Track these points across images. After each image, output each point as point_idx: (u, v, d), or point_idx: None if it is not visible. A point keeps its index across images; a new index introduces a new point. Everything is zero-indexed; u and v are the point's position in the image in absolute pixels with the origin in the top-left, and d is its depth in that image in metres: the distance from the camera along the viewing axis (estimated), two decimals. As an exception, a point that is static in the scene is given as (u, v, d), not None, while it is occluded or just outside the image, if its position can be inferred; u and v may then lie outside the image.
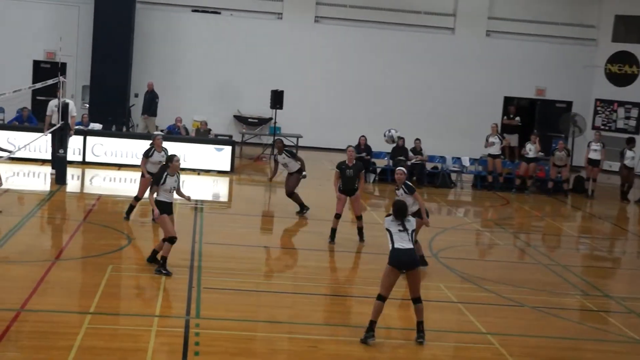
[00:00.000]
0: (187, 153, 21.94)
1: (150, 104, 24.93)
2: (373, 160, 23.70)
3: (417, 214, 12.67)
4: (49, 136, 19.40)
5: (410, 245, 9.89)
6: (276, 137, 19.91)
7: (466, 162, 24.60)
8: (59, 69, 20.41)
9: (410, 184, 13.20)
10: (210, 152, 22.39)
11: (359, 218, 15.03)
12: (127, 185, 20.39)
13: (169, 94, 27.73)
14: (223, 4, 28.64)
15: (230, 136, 26.63)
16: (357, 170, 14.88)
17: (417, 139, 23.71)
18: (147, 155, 15.24)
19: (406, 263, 9.79)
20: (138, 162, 21.68)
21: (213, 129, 25.96)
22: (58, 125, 18.84)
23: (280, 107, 26.37)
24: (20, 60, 27.13)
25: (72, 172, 19.97)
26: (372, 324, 9.89)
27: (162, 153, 15.15)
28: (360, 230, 15.03)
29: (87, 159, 21.76)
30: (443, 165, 24.18)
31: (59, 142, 19.01)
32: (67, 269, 12.28)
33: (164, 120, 26.45)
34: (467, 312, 11.41)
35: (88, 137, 21.84)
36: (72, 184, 19.45)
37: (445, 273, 13.48)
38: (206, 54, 28.22)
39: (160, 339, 9.54)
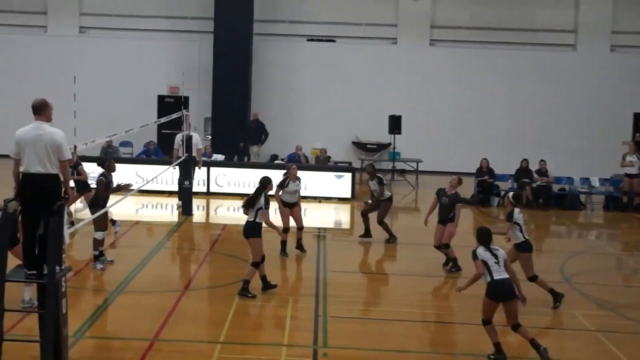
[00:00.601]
0: (307, 181, 22.03)
1: (257, 133, 25.22)
2: (496, 183, 23.20)
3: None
4: (177, 168, 19.88)
5: (506, 275, 9.93)
6: (367, 163, 19.80)
7: (595, 182, 23.68)
8: (182, 102, 20.96)
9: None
10: (331, 179, 22.45)
11: (446, 246, 14.55)
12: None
13: (287, 123, 28.14)
14: (338, 32, 28.83)
15: (350, 163, 26.68)
16: (453, 201, 14.46)
17: (542, 160, 23.08)
18: (282, 185, 15.34)
19: (505, 294, 9.81)
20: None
21: (332, 156, 26.09)
22: (183, 158, 19.30)
23: (399, 132, 26.26)
24: (146, 96, 28.05)
25: (197, 203, 20.40)
26: (498, 346, 9.76)
27: (297, 182, 15.30)
28: (447, 260, 14.63)
29: (211, 190, 22.20)
30: (571, 186, 23.37)
31: (185, 174, 19.45)
32: (196, 299, 12.47)
33: (284, 149, 26.79)
34: (606, 341, 10.89)
35: (211, 168, 22.28)
36: (198, 215, 19.85)
37: (579, 300, 12.94)
38: (323, 82, 28.44)
39: (289, 368, 9.54)
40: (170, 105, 27.12)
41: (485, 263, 9.91)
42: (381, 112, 27.34)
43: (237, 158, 25.18)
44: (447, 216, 14.38)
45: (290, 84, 28.47)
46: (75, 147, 9.84)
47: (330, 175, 22.60)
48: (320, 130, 28.17)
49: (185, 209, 19.35)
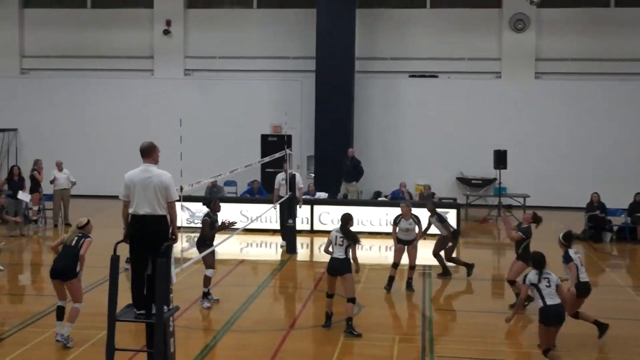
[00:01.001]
0: (411, 218, 21.91)
1: (353, 170, 25.15)
2: (609, 218, 22.45)
3: None
4: (278, 207, 20.04)
5: (558, 300, 10.16)
6: (429, 200, 19.51)
7: None
8: (285, 141, 21.20)
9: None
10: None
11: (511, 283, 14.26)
12: (360, 252, 20.54)
13: (390, 159, 28.10)
14: (440, 67, 28.70)
15: (455, 199, 26.37)
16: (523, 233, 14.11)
17: (658, 194, 22.23)
18: (395, 223, 15.62)
19: (559, 319, 10.09)
20: (364, 228, 22.10)
21: (436, 192, 25.83)
22: (286, 197, 19.46)
23: (504, 167, 25.82)
24: (249, 136, 28.53)
25: (301, 241, 20.50)
26: None
27: (410, 220, 15.46)
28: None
29: (315, 228, 22.28)
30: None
31: (288, 213, 19.60)
32: (301, 338, 12.46)
33: (387, 185, 26.71)
34: None
35: (315, 206, 22.39)
36: (302, 253, 19.93)
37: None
38: (425, 117, 28.30)
39: (396, 408, 9.38)
40: (274, 144, 27.49)
41: (536, 287, 10.12)
42: (486, 146, 26.97)
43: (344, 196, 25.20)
44: (517, 250, 14.17)
45: (393, 120, 28.45)
46: (181, 188, 10.05)
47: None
48: (424, 166, 27.99)
49: (290, 248, 19.48)
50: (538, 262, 10.32)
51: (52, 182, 22.93)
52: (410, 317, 13.60)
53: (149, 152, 9.06)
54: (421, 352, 11.51)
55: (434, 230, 16.91)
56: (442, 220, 16.73)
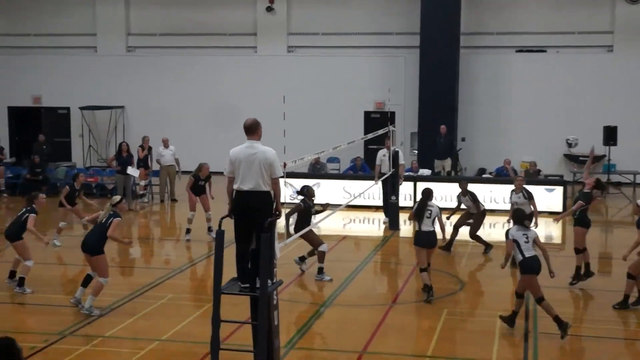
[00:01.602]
0: (516, 195, 21.55)
1: (447, 148, 24.77)
2: None
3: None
4: (380, 184, 20.01)
5: (534, 253, 11.16)
6: (461, 179, 19.01)
7: None
8: (388, 118, 21.12)
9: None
10: (541, 193, 21.72)
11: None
12: (463, 229, 20.40)
13: (495, 136, 27.62)
14: (548, 41, 27.94)
15: (561, 176, 25.75)
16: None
17: None
18: (510, 197, 15.86)
19: (538, 268, 11.12)
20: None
21: (542, 169, 25.28)
22: (389, 173, 19.41)
23: (614, 144, 25.03)
24: (352, 112, 28.51)
25: (404, 218, 20.42)
26: (558, 318, 10.87)
27: (520, 194, 15.40)
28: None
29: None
30: None
31: (391, 189, 19.55)
32: (403, 313, 12.47)
33: (492, 162, 26.28)
34: None
35: (418, 183, 22.24)
36: (405, 229, 19.87)
37: None
38: (532, 93, 27.63)
39: (499, 386, 9.29)
40: (377, 120, 27.41)
41: (516, 242, 11.13)
42: (595, 122, 26.15)
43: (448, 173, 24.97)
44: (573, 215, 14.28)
45: (498, 96, 27.90)
46: (284, 164, 10.15)
47: (541, 189, 21.89)
48: (530, 142, 27.38)
49: (392, 224, 19.46)
50: (520, 218, 11.41)
51: (157, 160, 23.52)
52: (513, 294, 13.38)
53: (253, 129, 9.16)
54: (524, 329, 11.34)
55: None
56: (475, 200, 16.59)
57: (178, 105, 29.73)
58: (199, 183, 18.08)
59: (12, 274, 13.58)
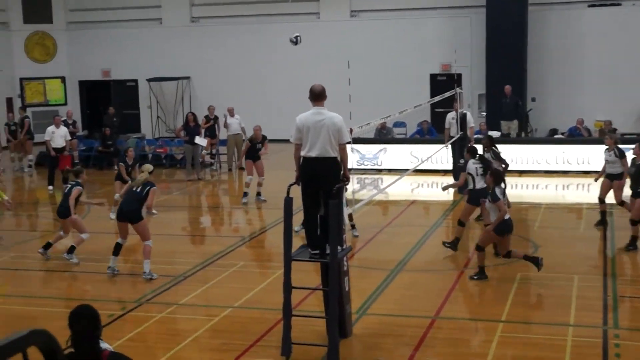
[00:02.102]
0: (590, 155, 21.03)
1: (512, 108, 24.21)
2: None
3: None
4: (450, 147, 19.76)
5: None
6: (485, 135, 18.26)
7: None
8: (454, 80, 20.78)
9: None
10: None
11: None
12: (535, 192, 20.12)
13: (566, 95, 26.93)
14: (624, -5, 27.01)
15: (639, 134, 25.02)
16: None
17: None
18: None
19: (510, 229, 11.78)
20: (539, 167, 21.46)
21: (618, 128, 24.59)
22: (457, 136, 19.13)
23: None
24: (418, 76, 28.14)
25: (473, 181, 20.13)
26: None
27: (611, 153, 14.93)
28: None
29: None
30: None
31: (459, 152, 19.27)
32: (475, 277, 12.32)
33: (564, 122, 25.65)
34: None
35: (487, 145, 21.85)
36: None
37: None
38: (606, 49, 26.75)
39: (576, 349, 9.10)
40: (443, 83, 26.98)
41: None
42: (672, 78, 25.28)
43: (517, 134, 24.50)
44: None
45: (569, 53, 27.11)
46: (351, 130, 10.04)
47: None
48: (604, 101, 26.57)
49: (461, 188, 19.16)
50: (498, 178, 11.75)
51: (225, 125, 23.57)
52: (589, 257, 13.11)
53: (320, 95, 9.08)
54: (603, 292, 11.08)
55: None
56: (498, 158, 15.95)
57: (242, 73, 29.77)
58: (256, 147, 18.45)
59: (47, 245, 13.73)
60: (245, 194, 18.43)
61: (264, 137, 18.59)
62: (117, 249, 12.60)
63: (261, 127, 18.79)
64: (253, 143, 18.47)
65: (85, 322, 4.71)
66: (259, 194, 18.43)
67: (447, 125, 19.72)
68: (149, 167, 12.87)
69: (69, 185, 13.48)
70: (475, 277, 11.86)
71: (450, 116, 19.62)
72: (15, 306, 11.38)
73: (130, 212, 12.31)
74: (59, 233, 13.80)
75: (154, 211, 15.98)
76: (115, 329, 10.01)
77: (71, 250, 13.39)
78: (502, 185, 11.85)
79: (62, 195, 13.59)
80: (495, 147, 15.90)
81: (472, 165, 13.75)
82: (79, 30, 31.53)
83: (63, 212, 13.36)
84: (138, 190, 12.45)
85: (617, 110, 25.94)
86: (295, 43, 12.89)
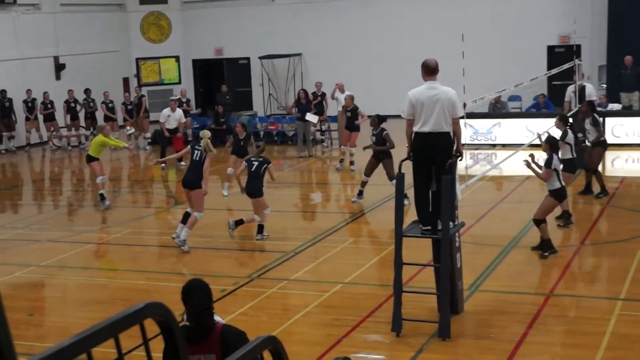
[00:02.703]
0: None
1: (634, 80, 23.12)
2: None
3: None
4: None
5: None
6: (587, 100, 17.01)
7: None
8: (573, 52, 20.12)
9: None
10: None
11: None
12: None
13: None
14: None
15: None
16: None
17: None
18: None
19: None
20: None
21: None
22: (576, 109, 18.54)
23: None
24: (534, 47, 27.38)
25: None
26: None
27: None
28: None
29: (608, 141, 21.05)
30: None
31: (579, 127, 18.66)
32: (593, 255, 11.95)
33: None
34: None
35: (607, 119, 21.11)
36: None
37: None
38: None
39: (701, 330, 8.72)
40: (561, 55, 26.16)
41: (556, 171, 11.38)
42: None
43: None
44: None
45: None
46: (464, 104, 9.87)
47: None
48: None
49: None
50: (555, 146, 11.56)
51: (333, 96, 23.51)
52: None
53: (434, 70, 8.96)
54: None
55: None
56: (595, 125, 15.09)
57: (353, 49, 29.66)
58: (346, 114, 19.44)
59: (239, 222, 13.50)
60: (341, 161, 20.05)
61: (355, 108, 19.29)
62: (185, 217, 12.82)
63: (353, 97, 19.73)
64: (345, 112, 19.65)
65: (201, 294, 4.81)
66: (351, 163, 19.31)
67: (567, 99, 19.13)
68: (206, 132, 12.93)
69: (256, 163, 13.01)
70: (546, 255, 11.44)
71: (571, 89, 19.03)
72: (132, 280, 11.75)
73: (189, 179, 12.68)
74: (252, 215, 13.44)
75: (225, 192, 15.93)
76: (228, 303, 10.19)
77: (260, 230, 13.29)
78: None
79: (250, 173, 13.11)
80: (597, 115, 15.31)
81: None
82: (192, 10, 32.12)
83: (251, 192, 13.05)
84: (197, 158, 12.64)
85: None
86: None
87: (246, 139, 16.92)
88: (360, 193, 15.79)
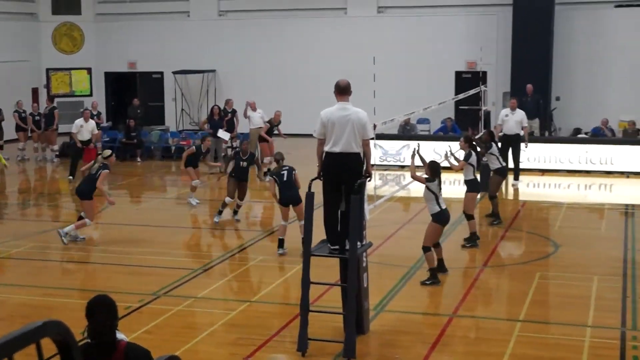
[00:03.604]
0: (614, 155, 20.97)
1: (533, 107, 23.94)
2: None
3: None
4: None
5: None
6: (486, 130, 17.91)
7: None
8: (479, 78, 20.69)
9: None
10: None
11: None
12: (557, 191, 20.03)
13: (591, 95, 26.75)
14: (650, -6, 26.73)
15: (662, 135, 24.82)
16: None
17: None
18: None
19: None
20: (562, 166, 21.33)
21: (642, 129, 24.41)
22: (478, 136, 19.05)
23: None
24: (443, 72, 28.05)
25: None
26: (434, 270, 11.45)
27: None
28: None
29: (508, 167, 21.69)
30: None
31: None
32: (495, 276, 12.28)
33: (588, 122, 25.48)
34: None
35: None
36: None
37: None
38: (632, 49, 26.49)
39: (594, 350, 9.06)
40: (468, 80, 26.87)
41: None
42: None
43: (542, 133, 24.28)
44: None
45: (595, 53, 26.89)
46: (374, 126, 10.05)
47: (639, 149, 21.19)
48: (629, 101, 26.34)
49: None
50: (436, 170, 11.65)
51: (245, 113, 23.56)
52: (610, 258, 13.02)
53: (346, 90, 9.09)
54: (622, 294, 11.01)
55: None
56: (492, 153, 15.51)
57: (268, 68, 29.80)
58: (273, 128, 20.87)
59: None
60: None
61: (280, 122, 21.06)
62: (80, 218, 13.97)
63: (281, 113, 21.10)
64: (271, 124, 21.09)
65: (105, 311, 4.76)
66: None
67: (499, 121, 19.74)
68: (106, 152, 14.28)
69: (285, 173, 13.25)
70: (428, 282, 11.59)
71: (504, 112, 19.67)
72: (33, 297, 11.47)
73: (81, 190, 13.79)
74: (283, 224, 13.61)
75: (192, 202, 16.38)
76: (132, 321, 10.07)
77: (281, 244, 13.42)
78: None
79: (283, 184, 13.17)
80: (495, 143, 15.70)
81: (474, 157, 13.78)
82: (106, 22, 31.70)
83: (294, 198, 13.16)
84: (93, 172, 13.78)
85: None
86: None
87: (206, 153, 17.98)
88: (220, 212, 15.82)
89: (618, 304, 10.60)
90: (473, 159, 13.76)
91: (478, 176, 14.15)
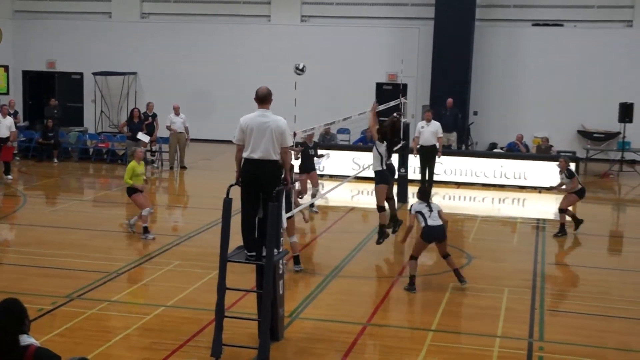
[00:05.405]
0: (527, 170, 21.56)
1: (452, 121, 24.53)
2: None
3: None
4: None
5: (439, 222, 11.90)
6: (561, 157, 18.49)
7: None
8: (400, 90, 21.00)
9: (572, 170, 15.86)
10: (553, 169, 21.59)
11: None
12: (472, 204, 20.45)
13: (507, 110, 27.48)
14: (565, 16, 27.64)
15: (574, 152, 25.60)
16: None
17: None
18: None
19: (437, 237, 11.93)
20: (477, 180, 21.82)
21: (555, 145, 25.16)
22: (400, 145, 19.30)
23: (630, 121, 24.86)
24: (364, 84, 28.36)
25: (412, 191, 20.35)
26: (412, 278, 11.91)
27: (562, 175, 16.07)
28: None
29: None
30: None
31: (401, 161, 19.48)
32: (409, 286, 12.47)
33: (504, 137, 26.15)
34: None
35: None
36: (412, 202, 19.79)
37: None
38: (547, 68, 27.39)
39: (502, 360, 9.30)
40: (389, 92, 27.24)
41: (420, 213, 11.87)
42: (611, 99, 25.95)
43: (459, 147, 24.78)
44: None
45: (512, 70, 27.67)
46: (294, 134, 10.12)
47: (552, 165, 21.75)
48: (543, 118, 27.19)
49: (401, 196, 19.40)
50: (424, 195, 12.16)
51: (167, 127, 23.49)
52: (520, 270, 13.36)
53: (266, 98, 9.12)
54: (530, 306, 11.33)
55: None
56: (570, 177, 16.25)
57: (189, 72, 29.67)
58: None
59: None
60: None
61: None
62: None
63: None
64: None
65: (4, 317, 4.67)
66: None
67: (416, 134, 20.01)
68: None
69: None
70: (407, 288, 11.97)
71: (420, 125, 19.95)
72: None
73: None
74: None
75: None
76: (44, 323, 9.90)
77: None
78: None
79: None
80: (569, 167, 16.43)
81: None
82: (25, 19, 31.03)
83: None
84: None
85: (554, 128, 26.58)
86: (302, 71, 12.67)
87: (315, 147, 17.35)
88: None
89: (527, 316, 10.90)
90: (382, 149, 13.67)
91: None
